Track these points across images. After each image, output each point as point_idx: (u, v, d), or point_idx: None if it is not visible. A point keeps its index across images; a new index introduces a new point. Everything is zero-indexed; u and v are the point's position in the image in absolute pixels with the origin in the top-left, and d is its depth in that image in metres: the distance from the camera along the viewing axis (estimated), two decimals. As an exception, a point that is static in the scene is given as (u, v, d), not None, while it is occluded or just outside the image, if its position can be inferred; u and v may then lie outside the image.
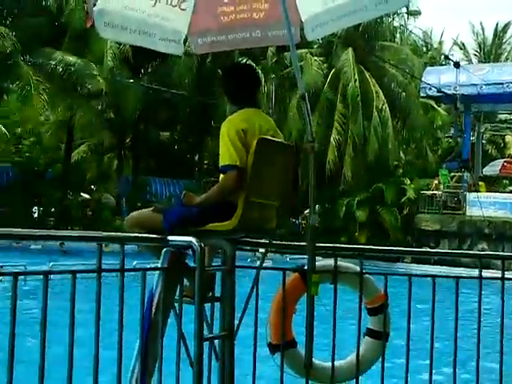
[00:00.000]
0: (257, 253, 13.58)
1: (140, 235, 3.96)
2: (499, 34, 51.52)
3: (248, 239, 4.37)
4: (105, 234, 3.80)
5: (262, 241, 4.49)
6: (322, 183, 31.34)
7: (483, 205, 30.50)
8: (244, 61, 31.93)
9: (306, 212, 31.78)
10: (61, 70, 33.84)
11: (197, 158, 43.74)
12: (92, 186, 42.49)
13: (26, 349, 3.53)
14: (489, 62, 47.53)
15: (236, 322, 4.15)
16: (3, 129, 43.13)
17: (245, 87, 4.44)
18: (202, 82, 34.97)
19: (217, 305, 4.20)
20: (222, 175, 4.17)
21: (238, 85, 4.44)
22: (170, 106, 38.33)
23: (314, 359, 4.48)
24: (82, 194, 39.64)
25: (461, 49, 51.69)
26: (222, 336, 4.07)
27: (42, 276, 3.09)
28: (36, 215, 36.56)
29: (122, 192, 40.14)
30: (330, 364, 4.52)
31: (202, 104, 35.14)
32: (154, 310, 3.87)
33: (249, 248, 4.44)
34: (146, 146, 41.03)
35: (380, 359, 4.51)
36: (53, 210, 37.03)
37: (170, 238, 3.89)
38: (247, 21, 5.38)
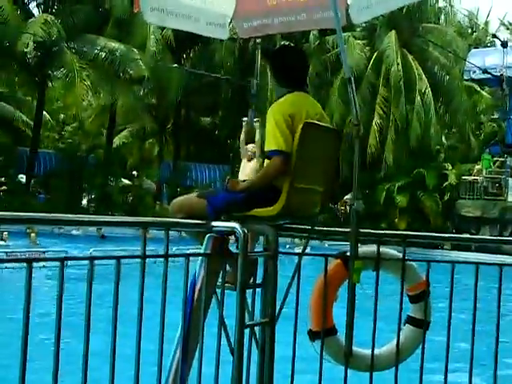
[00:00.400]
0: (295, 239, 13.56)
1: (184, 221, 3.96)
2: (549, 12, 50.22)
3: (290, 225, 4.36)
4: (149, 219, 3.81)
5: (305, 227, 4.45)
6: (363, 168, 31.08)
7: (526, 190, 30.08)
8: (287, 44, 31.87)
9: (345, 198, 31.66)
10: (104, 56, 34.28)
11: (237, 143, 43.74)
12: (133, 172, 42.85)
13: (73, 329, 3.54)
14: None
15: (276, 308, 4.14)
16: (47, 115, 43.71)
17: (295, 70, 4.37)
18: (244, 65, 34.93)
19: (257, 291, 4.20)
20: (266, 160, 4.15)
21: (288, 67, 4.36)
22: (211, 91, 38.44)
23: (353, 347, 4.46)
24: (122, 179, 40.01)
25: (507, 29, 50.46)
26: (263, 323, 4.07)
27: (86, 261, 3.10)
28: (85, 202, 37.01)
29: (163, 178, 40.39)
30: (369, 352, 4.49)
31: (243, 88, 35.09)
32: (196, 296, 3.87)
33: (291, 234, 4.41)
34: (187, 131, 41.19)
35: (420, 347, 4.47)
36: (93, 196, 37.47)
37: (214, 223, 3.89)
38: (292, 4, 5.35)
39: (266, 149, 4.10)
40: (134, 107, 38.42)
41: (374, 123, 32.42)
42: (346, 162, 25.69)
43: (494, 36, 42.52)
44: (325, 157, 4.30)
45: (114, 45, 33.95)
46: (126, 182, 40.76)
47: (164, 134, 43.23)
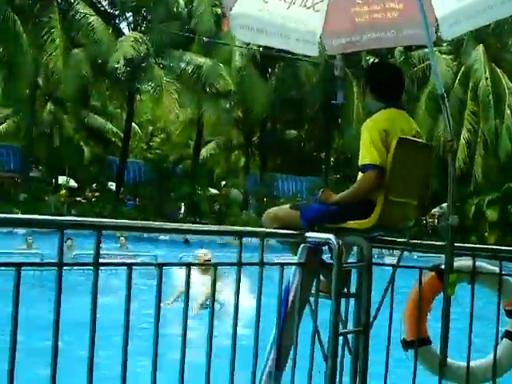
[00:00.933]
0: (383, 250, 13.43)
1: (280, 231, 4.03)
2: None
3: (384, 237, 4.38)
4: (246, 229, 3.89)
5: (399, 240, 4.46)
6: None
7: None
8: (372, 60, 31.72)
9: (433, 210, 31.18)
10: (190, 70, 35.13)
11: (323, 155, 43.75)
12: (221, 182, 43.44)
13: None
14: None
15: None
16: (136, 127, 44.86)
17: (391, 86, 4.40)
18: (328, 81, 34.96)
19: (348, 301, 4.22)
20: (360, 174, 4.19)
21: (384, 83, 4.40)
22: (296, 105, 38.62)
23: (448, 358, 4.44)
24: (210, 189, 40.58)
25: None
26: (357, 331, 4.10)
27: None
28: (182, 211, 37.73)
29: (250, 188, 40.72)
30: (465, 364, 4.46)
31: (329, 103, 35.09)
32: (289, 304, 3.94)
33: (385, 246, 4.43)
34: (273, 143, 41.45)
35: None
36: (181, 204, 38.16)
37: (308, 234, 3.94)
38: (381, 21, 5.33)
39: (360, 162, 4.14)
40: (220, 120, 38.97)
41: (462, 137, 31.84)
42: (434, 176, 25.34)
43: None
44: (418, 172, 4.31)
45: (200, 60, 34.76)
46: (214, 191, 41.34)
47: (250, 147, 43.67)
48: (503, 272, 4.37)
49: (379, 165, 4.01)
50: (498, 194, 31.50)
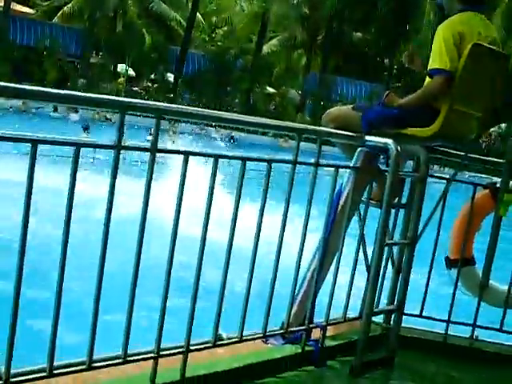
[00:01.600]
0: (435, 166, 13.10)
1: (338, 131, 3.89)
2: None
3: (443, 148, 4.25)
4: (304, 126, 3.77)
5: (458, 152, 4.32)
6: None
7: None
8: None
9: (491, 130, 30.37)
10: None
11: (387, 61, 42.76)
12: (280, 81, 42.95)
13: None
14: None
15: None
16: (200, 17, 44.27)
17: None
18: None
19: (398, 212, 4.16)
20: (427, 78, 4.01)
21: None
22: (366, 5, 37.47)
23: (490, 281, 4.38)
24: (267, 87, 40.20)
25: None
26: (405, 243, 4.04)
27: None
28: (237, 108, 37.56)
29: (308, 89, 40.22)
30: (506, 288, 4.39)
31: (400, 5, 33.90)
32: (339, 208, 3.88)
33: (442, 157, 4.28)
34: (337, 44, 40.58)
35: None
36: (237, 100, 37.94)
37: (367, 137, 3.84)
38: None
39: (429, 67, 3.95)
40: (286, 16, 38.18)
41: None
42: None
43: None
44: (489, 83, 4.09)
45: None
46: (271, 90, 40.93)
47: (313, 46, 42.80)
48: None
49: (448, 70, 3.82)
50: None
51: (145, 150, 2.67)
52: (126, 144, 2.60)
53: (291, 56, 45.59)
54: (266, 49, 42.50)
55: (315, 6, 37.06)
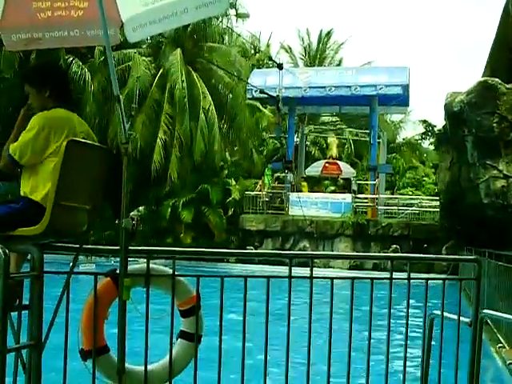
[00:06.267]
0: (81, 256, 13.11)
1: None
2: (323, 39, 53.59)
3: (58, 244, 4.25)
4: None
5: (73, 245, 4.36)
6: (148, 184, 31.09)
7: (305, 204, 31.85)
8: (71, 59, 31.16)
9: (131, 214, 31.35)
10: None
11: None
12: None
13: None
14: (314, 66, 49.21)
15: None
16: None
17: (61, 87, 4.37)
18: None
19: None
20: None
21: (55, 83, 4.33)
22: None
23: (126, 364, 4.43)
24: None
25: (287, 52, 53.05)
26: (29, 346, 3.92)
27: None
28: None
29: None
30: (142, 368, 4.49)
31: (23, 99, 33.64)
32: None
33: (57, 252, 4.29)
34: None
35: (193, 361, 4.53)
36: None
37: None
38: (65, 19, 5.19)
39: (11, 148, 4.09)
40: None
41: (158, 140, 32.39)
42: (132, 178, 25.57)
43: (270, 59, 44.42)
44: (92, 175, 4.24)
45: None
46: None
47: None
48: (176, 273, 4.45)
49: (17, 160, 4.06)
50: (193, 194, 32.47)
51: None
52: None
53: None
54: None
55: None
